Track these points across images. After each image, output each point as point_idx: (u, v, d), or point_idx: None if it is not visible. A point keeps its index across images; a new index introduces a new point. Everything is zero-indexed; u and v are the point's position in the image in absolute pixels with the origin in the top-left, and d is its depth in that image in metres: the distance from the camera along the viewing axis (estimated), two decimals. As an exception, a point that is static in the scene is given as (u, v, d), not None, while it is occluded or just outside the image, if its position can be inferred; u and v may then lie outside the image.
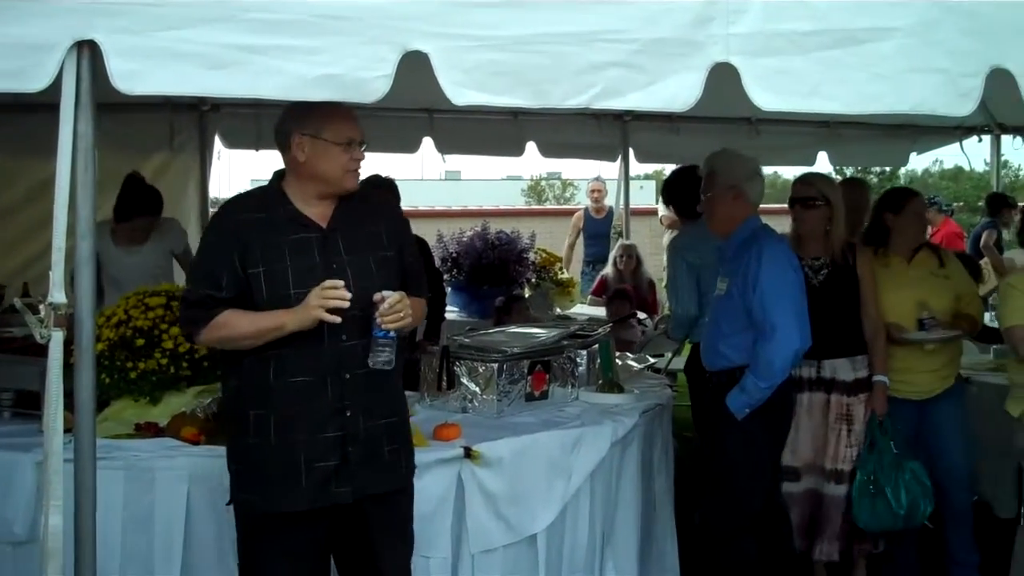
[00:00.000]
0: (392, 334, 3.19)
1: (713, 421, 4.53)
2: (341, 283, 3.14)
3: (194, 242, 7.36)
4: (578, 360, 4.95)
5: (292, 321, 3.15)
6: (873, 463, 4.71)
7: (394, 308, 3.17)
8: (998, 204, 11.12)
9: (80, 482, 3.08)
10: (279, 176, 3.40)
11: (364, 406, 3.28)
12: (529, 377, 4.61)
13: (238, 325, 3.20)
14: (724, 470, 4.51)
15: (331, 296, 3.11)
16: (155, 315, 4.10)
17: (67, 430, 3.04)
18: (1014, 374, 4.61)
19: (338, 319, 3.13)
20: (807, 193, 4.82)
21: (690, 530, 5.04)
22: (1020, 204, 11.96)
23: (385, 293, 3.17)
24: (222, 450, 3.78)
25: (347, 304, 3.13)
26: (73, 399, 3.07)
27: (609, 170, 9.68)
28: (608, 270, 8.98)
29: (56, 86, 2.88)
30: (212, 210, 8.45)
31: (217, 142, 7.88)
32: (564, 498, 4.24)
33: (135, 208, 6.12)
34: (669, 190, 6.24)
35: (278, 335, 3.17)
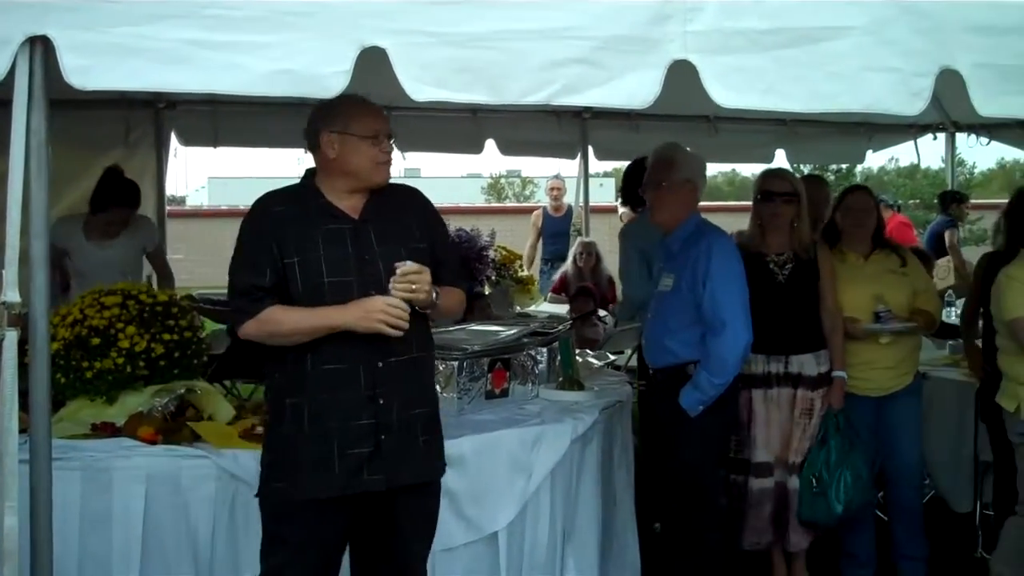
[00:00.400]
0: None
1: (661, 420, 4.55)
2: (407, 308, 3.20)
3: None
4: (538, 357, 4.95)
5: (343, 321, 3.20)
6: (821, 461, 4.75)
7: (407, 277, 3.21)
8: (949, 200, 11.39)
9: (36, 483, 3.05)
10: (311, 174, 3.43)
11: (398, 395, 3.31)
12: (489, 375, 4.60)
13: (287, 322, 3.24)
14: (687, 470, 4.52)
15: (396, 316, 3.18)
16: (111, 314, 4.06)
17: (22, 430, 3.01)
18: (1011, 366, 4.60)
19: (400, 334, 3.19)
20: (784, 188, 4.85)
21: (651, 533, 5.08)
22: (971, 200, 12.21)
23: (408, 262, 3.22)
24: (181, 450, 3.79)
25: (406, 326, 3.20)
26: (28, 399, 3.04)
27: (569, 168, 9.69)
28: (568, 267, 8.99)
29: (8, 82, 2.85)
30: (169, 207, 8.40)
31: (173, 139, 7.80)
32: (525, 496, 4.24)
33: (113, 199, 6.08)
34: (627, 180, 6.30)
35: (327, 331, 3.22)
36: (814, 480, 4.74)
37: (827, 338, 4.87)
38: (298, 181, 3.45)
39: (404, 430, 3.33)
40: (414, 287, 3.21)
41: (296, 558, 3.31)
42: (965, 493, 5.63)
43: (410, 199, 3.53)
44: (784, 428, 4.80)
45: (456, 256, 3.63)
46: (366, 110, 3.32)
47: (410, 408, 3.35)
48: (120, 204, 6.12)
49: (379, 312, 3.17)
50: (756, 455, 4.79)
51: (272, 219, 3.31)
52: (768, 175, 5.05)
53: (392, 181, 3.47)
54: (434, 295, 3.29)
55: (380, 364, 3.27)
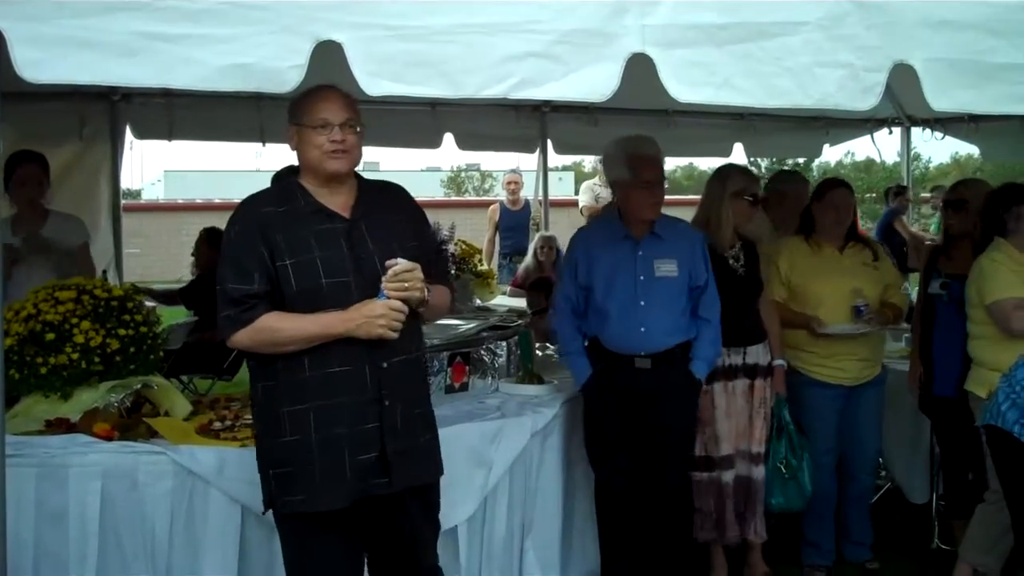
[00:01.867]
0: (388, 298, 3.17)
1: (665, 393, 4.54)
2: (405, 308, 3.16)
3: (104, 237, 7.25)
4: (498, 351, 4.96)
5: (344, 329, 3.15)
6: (784, 448, 4.83)
7: (399, 275, 3.16)
8: (892, 194, 12.36)
9: (-11, 480, 3.02)
10: (291, 171, 3.39)
11: (401, 396, 3.27)
12: (449, 369, 4.61)
13: (286, 330, 3.17)
14: (688, 438, 4.69)
15: (396, 318, 3.14)
16: (65, 309, 4.01)
17: (-26, 427, 2.98)
18: (983, 352, 4.64)
19: (396, 335, 3.16)
20: (755, 191, 4.93)
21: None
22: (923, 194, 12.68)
23: (399, 260, 3.17)
24: (136, 446, 3.76)
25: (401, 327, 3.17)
26: (-20, 396, 3.01)
27: (528, 161, 9.69)
28: (528, 261, 9.01)
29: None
30: (124, 201, 8.31)
31: (128, 132, 7.72)
32: (484, 489, 4.26)
33: (16, 160, 5.84)
34: None
35: (326, 339, 3.16)
36: (782, 467, 4.80)
37: (765, 326, 4.94)
38: (274, 178, 3.42)
39: (407, 431, 3.30)
40: (407, 285, 3.17)
41: (322, 569, 3.29)
42: (921, 485, 5.70)
43: (397, 197, 3.49)
44: (743, 419, 4.85)
45: (443, 254, 3.59)
46: (318, 98, 3.23)
47: (412, 408, 3.33)
48: (25, 160, 5.81)
49: (381, 317, 3.13)
50: (721, 448, 4.83)
51: (260, 221, 3.22)
52: (737, 172, 5.07)
53: (371, 177, 3.45)
54: (426, 292, 3.24)
55: (385, 365, 3.22)
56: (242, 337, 3.18)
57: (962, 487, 5.07)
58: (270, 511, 3.34)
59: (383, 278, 3.15)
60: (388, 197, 3.43)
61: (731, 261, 4.86)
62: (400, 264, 3.16)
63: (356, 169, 3.39)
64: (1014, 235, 4.60)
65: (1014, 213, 4.61)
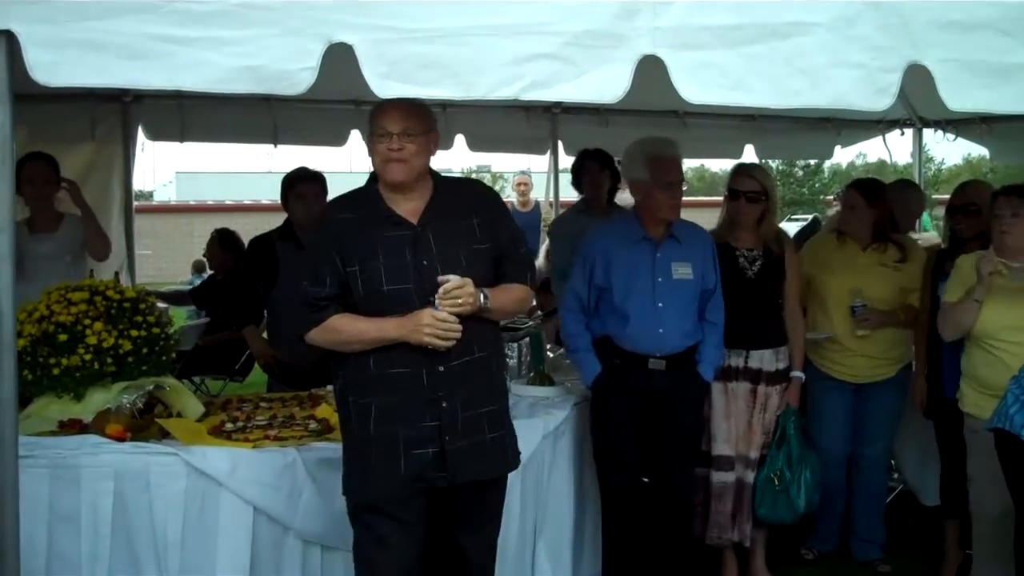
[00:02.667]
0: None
1: (676, 394, 4.56)
2: (458, 324, 3.29)
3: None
4: (509, 353, 4.95)
5: (398, 335, 3.31)
6: (782, 459, 4.82)
7: (452, 292, 3.27)
8: None
9: (2, 481, 3.03)
10: (374, 178, 3.53)
11: (461, 396, 3.40)
12: (460, 370, 4.60)
13: (348, 332, 3.38)
14: (695, 440, 4.73)
15: (446, 330, 3.27)
16: (78, 310, 4.02)
17: (-12, 428, 2.98)
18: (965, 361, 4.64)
19: (447, 346, 3.30)
20: (751, 187, 4.87)
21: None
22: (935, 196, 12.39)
23: (450, 276, 3.28)
24: (148, 447, 3.77)
25: (458, 336, 3.30)
26: (-7, 396, 3.01)
27: (539, 163, 9.68)
28: (540, 262, 8.99)
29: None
30: (136, 203, 8.33)
31: (140, 134, 7.74)
32: (496, 491, 4.25)
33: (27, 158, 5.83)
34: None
35: (384, 343, 3.33)
36: (775, 478, 4.80)
37: (788, 337, 4.92)
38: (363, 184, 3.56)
39: (470, 429, 3.43)
40: (459, 301, 3.28)
41: (385, 553, 3.42)
42: (934, 487, 5.68)
43: (476, 196, 3.60)
44: (742, 422, 4.85)
45: (524, 251, 3.65)
46: (382, 108, 3.37)
47: (475, 407, 3.44)
48: (31, 159, 5.75)
49: (426, 326, 3.26)
50: (716, 448, 4.84)
51: (336, 228, 3.41)
52: (737, 172, 5.08)
53: (461, 176, 3.50)
54: (482, 299, 3.34)
55: (441, 368, 3.36)
56: (315, 335, 3.41)
57: (960, 488, 5.07)
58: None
59: (436, 296, 3.28)
60: (463, 199, 3.55)
61: (741, 260, 4.85)
62: (450, 282, 3.28)
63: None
64: None
65: None
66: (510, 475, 4.25)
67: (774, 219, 4.95)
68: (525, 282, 3.60)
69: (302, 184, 5.47)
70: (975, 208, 5.00)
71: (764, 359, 4.86)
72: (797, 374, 4.94)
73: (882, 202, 5.31)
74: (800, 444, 4.86)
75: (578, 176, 6.86)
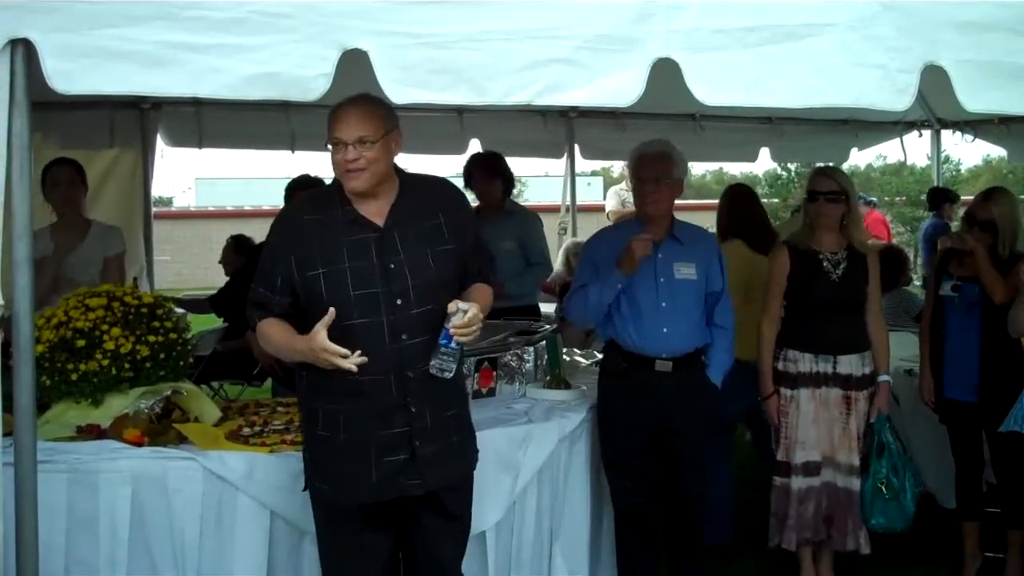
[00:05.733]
0: (456, 345, 3.21)
1: (683, 397, 4.53)
2: (348, 355, 3.11)
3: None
4: (525, 356, 4.95)
5: (303, 356, 3.24)
6: (887, 467, 4.76)
7: (469, 322, 3.18)
8: (939, 199, 11.40)
9: (21, 486, 3.05)
10: (308, 180, 3.49)
11: (429, 402, 3.35)
12: (476, 374, 4.60)
13: (274, 341, 3.35)
14: (704, 443, 4.68)
15: (331, 362, 3.13)
16: (96, 316, 4.04)
17: (7, 433, 3.02)
18: None
19: (354, 368, 3.12)
20: (829, 187, 4.82)
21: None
22: (963, 197, 12.21)
23: (461, 304, 3.19)
24: (166, 452, 3.78)
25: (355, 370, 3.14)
26: (12, 402, 3.03)
27: (556, 167, 9.68)
28: (559, 267, 8.98)
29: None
30: (155, 209, 8.37)
31: (159, 141, 7.78)
32: (512, 495, 4.25)
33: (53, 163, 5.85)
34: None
35: (299, 358, 3.28)
36: (883, 487, 4.75)
37: (872, 341, 4.87)
38: (288, 187, 3.48)
39: (438, 434, 3.39)
40: (473, 329, 3.21)
41: (354, 561, 3.41)
42: (952, 490, 5.65)
43: (442, 196, 3.50)
44: (836, 428, 4.81)
45: (485, 251, 3.63)
46: (335, 116, 3.26)
47: (443, 411, 3.41)
48: (57, 164, 5.74)
49: (320, 354, 3.13)
50: (800, 455, 4.81)
51: (297, 230, 3.32)
52: (816, 174, 5.03)
53: (428, 175, 3.49)
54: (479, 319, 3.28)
55: (410, 373, 3.29)
56: (257, 337, 3.43)
57: (975, 490, 5.10)
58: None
59: (450, 324, 3.17)
60: (429, 198, 3.44)
61: (825, 264, 4.80)
62: (470, 311, 3.18)
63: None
64: None
65: None
66: (527, 478, 4.28)
67: (858, 220, 4.92)
68: (490, 281, 3.58)
69: (304, 192, 5.46)
70: (991, 224, 4.93)
71: (852, 364, 4.81)
72: (884, 378, 4.85)
73: None
74: (899, 451, 4.81)
75: (468, 182, 6.70)
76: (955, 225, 10.76)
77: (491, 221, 6.15)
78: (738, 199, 5.98)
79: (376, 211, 3.33)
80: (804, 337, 4.80)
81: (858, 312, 4.86)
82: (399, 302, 3.25)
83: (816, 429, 4.80)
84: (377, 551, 3.44)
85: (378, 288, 3.25)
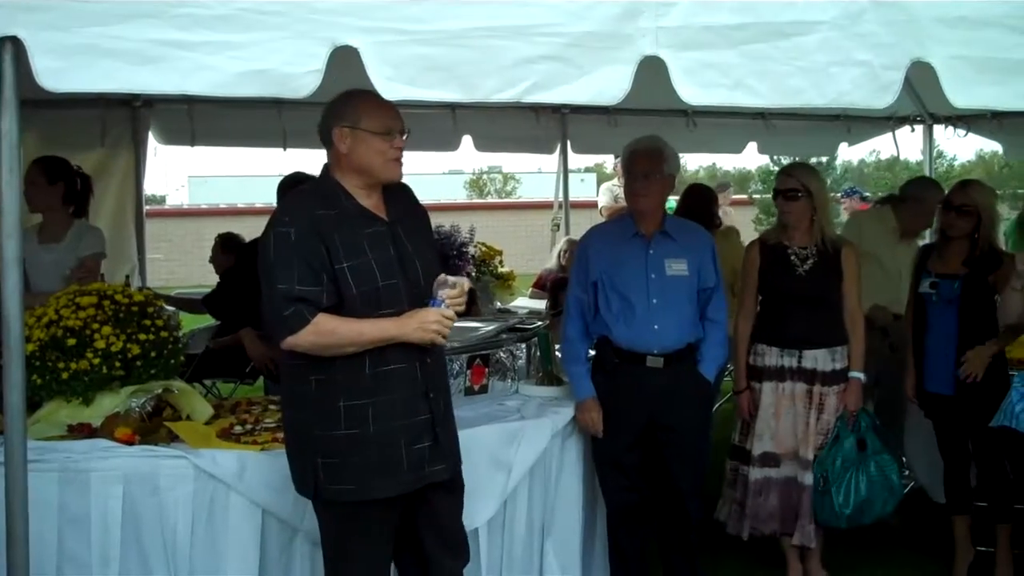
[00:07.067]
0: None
1: (676, 392, 4.55)
2: (455, 317, 3.35)
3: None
4: (517, 353, 4.96)
5: (404, 336, 3.29)
6: (829, 462, 4.75)
7: (461, 291, 3.36)
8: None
9: (11, 485, 3.05)
10: (327, 170, 3.45)
11: (440, 388, 3.49)
12: (468, 371, 4.61)
13: (345, 333, 3.25)
14: (699, 438, 4.71)
15: (449, 326, 3.31)
16: (86, 315, 4.03)
17: (-3, 432, 3.00)
18: None
19: (446, 342, 3.42)
20: (788, 185, 4.87)
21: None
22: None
23: (450, 277, 3.34)
24: (157, 450, 3.77)
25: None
26: (3, 401, 3.03)
27: (550, 163, 9.69)
28: (551, 264, 8.99)
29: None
30: (148, 207, 8.35)
31: (151, 139, 7.76)
32: (505, 492, 4.26)
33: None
34: None
35: (382, 343, 3.29)
36: (821, 479, 4.75)
37: (848, 337, 4.87)
38: (280, 186, 3.47)
39: (447, 418, 3.52)
40: (463, 299, 3.36)
41: (370, 558, 3.43)
42: (942, 484, 5.68)
43: (409, 197, 3.59)
44: (800, 423, 4.83)
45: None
46: (377, 105, 3.28)
47: (446, 396, 3.55)
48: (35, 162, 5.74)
49: (434, 323, 3.27)
50: (759, 446, 4.84)
51: (316, 221, 3.27)
52: (779, 172, 5.08)
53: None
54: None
55: (428, 360, 3.41)
56: (307, 336, 3.20)
57: (963, 484, 5.13)
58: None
59: (444, 294, 3.29)
60: (407, 199, 3.57)
61: (792, 258, 4.85)
62: (462, 282, 3.35)
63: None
64: None
65: None
66: (519, 475, 4.29)
67: (826, 216, 4.94)
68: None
69: (295, 189, 5.44)
70: (968, 208, 4.97)
71: (819, 359, 4.82)
72: (855, 375, 4.84)
73: None
74: (856, 448, 4.77)
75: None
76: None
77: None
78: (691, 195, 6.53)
79: (375, 205, 3.41)
80: (771, 331, 4.86)
81: (828, 308, 4.86)
82: (415, 291, 3.35)
83: (776, 422, 4.82)
84: (389, 540, 3.49)
85: (398, 279, 3.33)
